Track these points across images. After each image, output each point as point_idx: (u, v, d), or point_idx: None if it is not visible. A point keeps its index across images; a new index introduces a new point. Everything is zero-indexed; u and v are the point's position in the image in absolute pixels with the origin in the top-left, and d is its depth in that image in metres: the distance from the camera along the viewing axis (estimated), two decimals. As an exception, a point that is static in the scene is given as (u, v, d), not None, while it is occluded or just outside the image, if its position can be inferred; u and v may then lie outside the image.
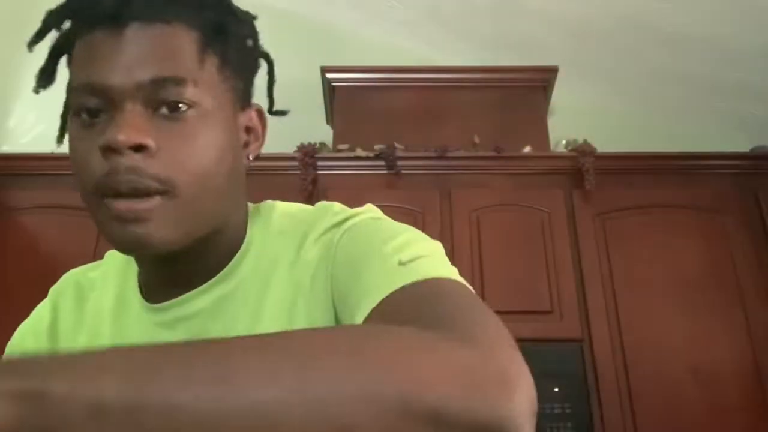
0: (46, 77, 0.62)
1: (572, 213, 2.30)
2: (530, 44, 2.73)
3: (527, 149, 2.44)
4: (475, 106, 2.58)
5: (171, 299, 0.62)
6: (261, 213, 0.67)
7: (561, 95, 2.76)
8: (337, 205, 0.66)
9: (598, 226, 2.28)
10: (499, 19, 2.69)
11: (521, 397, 0.39)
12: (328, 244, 0.60)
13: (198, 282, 0.61)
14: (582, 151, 2.35)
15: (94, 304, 0.68)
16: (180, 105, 0.55)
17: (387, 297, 0.50)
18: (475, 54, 2.81)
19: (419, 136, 2.46)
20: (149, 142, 0.53)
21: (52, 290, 0.73)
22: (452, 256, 2.21)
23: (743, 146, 2.57)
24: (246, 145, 0.64)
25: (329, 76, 2.64)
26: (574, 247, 2.24)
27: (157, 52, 0.55)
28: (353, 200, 2.52)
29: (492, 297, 2.14)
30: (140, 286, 0.65)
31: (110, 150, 0.52)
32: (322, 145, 2.54)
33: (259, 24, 0.69)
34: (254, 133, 0.65)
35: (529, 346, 2.34)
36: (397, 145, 2.39)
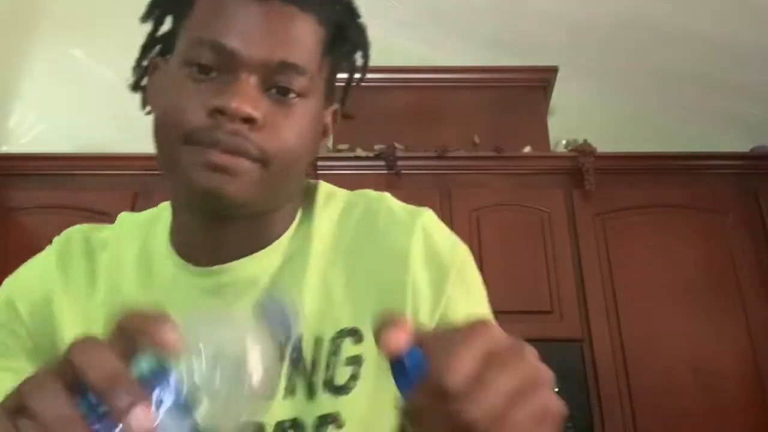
0: (156, 9, 0.64)
1: (572, 213, 2.30)
2: (530, 44, 2.73)
3: (527, 149, 2.44)
4: (475, 106, 2.58)
5: (211, 264, 0.61)
6: (313, 194, 0.68)
7: (561, 95, 2.76)
8: (406, 212, 0.71)
9: (598, 226, 2.28)
10: (499, 19, 2.69)
11: None
12: (441, 265, 0.67)
13: (247, 250, 0.62)
14: (582, 151, 2.35)
15: (108, 262, 0.66)
16: (291, 92, 0.57)
17: None
18: (474, 54, 2.81)
19: (419, 136, 2.46)
20: (259, 116, 0.54)
21: (57, 243, 0.71)
22: (452, 256, 2.21)
23: (743, 146, 2.57)
24: (320, 139, 0.66)
25: (329, 76, 2.64)
26: (574, 247, 2.24)
27: (288, 36, 0.57)
28: (353, 200, 2.44)
29: (492, 297, 2.13)
30: (176, 250, 0.64)
31: (220, 113, 0.54)
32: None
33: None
34: (327, 130, 0.67)
35: (529, 346, 2.29)
36: (397, 145, 2.39)
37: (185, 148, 0.55)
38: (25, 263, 0.71)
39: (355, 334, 0.59)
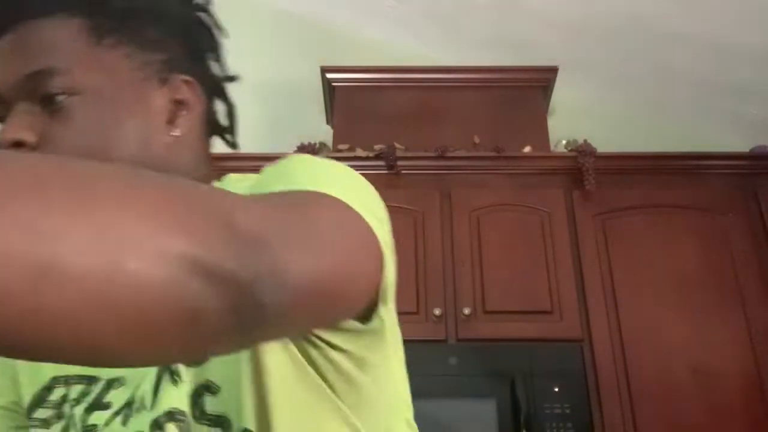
0: None
1: (572, 213, 2.30)
2: (530, 44, 2.73)
3: (527, 149, 2.44)
4: (475, 106, 2.58)
5: None
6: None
7: (561, 95, 2.76)
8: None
9: (598, 226, 2.28)
10: (499, 19, 2.69)
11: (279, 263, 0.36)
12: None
13: None
14: (582, 151, 2.35)
15: None
16: (56, 96, 0.54)
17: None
18: (475, 54, 2.81)
19: (419, 136, 2.46)
20: (25, 136, 0.52)
21: None
22: (452, 256, 2.21)
23: (743, 146, 2.57)
24: (172, 119, 0.61)
25: (329, 76, 2.64)
26: (574, 247, 2.24)
27: (30, 47, 0.55)
28: (353, 200, 2.44)
29: (492, 297, 2.14)
30: None
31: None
32: (322, 145, 2.54)
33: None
34: (185, 105, 0.62)
35: (529, 346, 2.34)
36: (397, 145, 2.39)
37: None
38: None
39: None
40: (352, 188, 0.53)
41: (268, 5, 2.97)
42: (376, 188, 0.71)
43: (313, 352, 0.52)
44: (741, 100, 2.70)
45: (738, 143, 2.63)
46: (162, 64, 0.60)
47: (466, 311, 2.09)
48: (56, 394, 0.61)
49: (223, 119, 0.70)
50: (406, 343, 0.66)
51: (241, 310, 0.34)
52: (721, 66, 2.57)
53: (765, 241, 2.26)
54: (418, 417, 0.73)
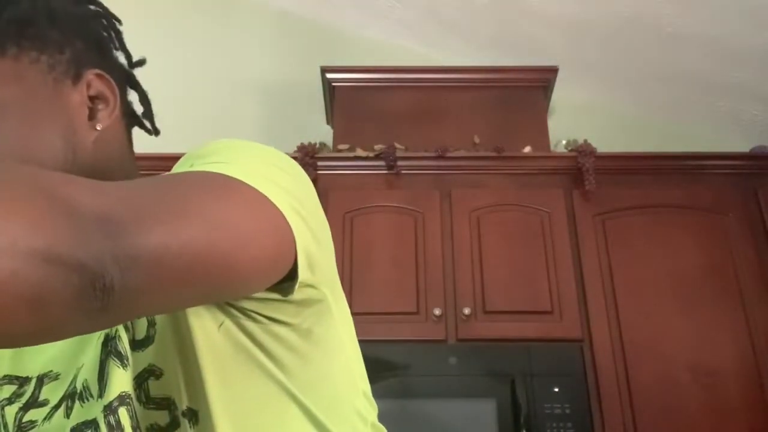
0: None
1: (572, 213, 2.30)
2: (530, 44, 2.74)
3: (527, 149, 2.44)
4: (475, 106, 2.58)
5: None
6: None
7: (561, 95, 2.76)
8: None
9: (598, 226, 2.28)
10: (499, 19, 2.69)
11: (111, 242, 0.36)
12: None
13: None
14: (582, 151, 2.35)
15: None
16: None
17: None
18: (475, 54, 2.81)
19: (419, 136, 2.46)
20: None
21: None
22: (452, 256, 2.21)
23: (743, 146, 2.57)
24: (92, 115, 0.60)
25: (329, 76, 2.64)
26: (574, 247, 2.24)
27: None
28: (353, 200, 2.53)
29: (492, 297, 2.14)
30: None
31: None
32: (322, 145, 2.54)
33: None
34: (103, 99, 0.61)
35: (529, 346, 2.33)
36: (397, 145, 2.39)
37: None
38: None
39: None
40: (253, 164, 0.51)
41: (268, 6, 2.97)
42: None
43: (255, 328, 0.52)
44: (741, 100, 2.70)
45: (738, 143, 2.63)
46: (69, 63, 0.59)
47: (466, 311, 2.09)
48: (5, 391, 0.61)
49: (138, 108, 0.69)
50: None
51: (86, 294, 0.35)
52: (721, 66, 2.57)
53: (765, 241, 2.26)
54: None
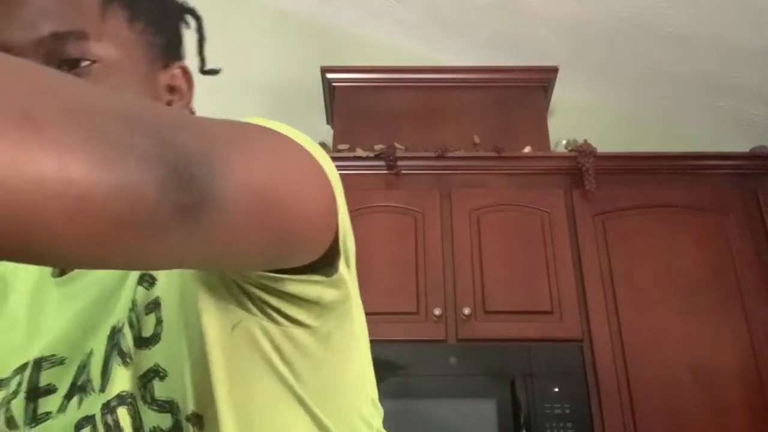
0: None
1: (572, 213, 2.30)
2: (530, 44, 2.74)
3: (527, 149, 2.44)
4: (475, 106, 2.58)
5: (68, 271, 0.61)
6: None
7: (561, 95, 2.76)
8: None
9: (598, 226, 2.28)
10: (499, 19, 2.69)
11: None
12: None
13: None
14: (582, 151, 2.35)
15: (17, 288, 0.66)
16: (81, 61, 0.53)
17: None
18: (475, 54, 2.81)
19: (419, 136, 2.46)
20: None
21: None
22: (452, 256, 2.21)
23: (743, 146, 2.57)
24: (168, 105, 0.61)
25: (329, 76, 2.64)
26: (574, 247, 2.24)
27: (56, 5, 0.53)
28: (353, 200, 2.53)
29: (492, 297, 2.14)
30: None
31: None
32: (322, 145, 2.54)
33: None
34: (179, 92, 0.62)
35: (529, 346, 2.33)
36: (397, 145, 2.39)
37: None
38: None
39: (145, 279, 0.56)
40: (305, 142, 0.50)
41: (268, 5, 2.97)
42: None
43: (273, 330, 0.50)
44: (741, 100, 2.70)
45: (738, 143, 2.64)
46: (163, 48, 0.60)
47: (466, 311, 2.09)
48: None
49: None
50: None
51: (177, 187, 0.32)
52: (721, 66, 2.57)
53: (765, 241, 2.26)
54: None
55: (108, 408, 0.53)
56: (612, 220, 2.29)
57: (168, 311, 0.54)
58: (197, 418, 0.52)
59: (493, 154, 2.39)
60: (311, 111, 2.83)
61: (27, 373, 0.59)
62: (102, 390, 0.54)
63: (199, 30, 0.66)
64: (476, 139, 2.47)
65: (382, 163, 2.36)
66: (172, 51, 0.62)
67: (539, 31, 2.68)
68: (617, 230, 2.28)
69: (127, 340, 0.55)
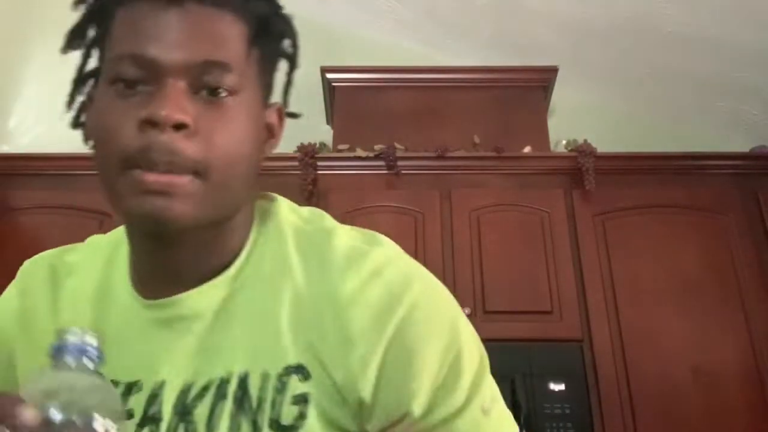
0: (75, 40, 0.62)
1: (572, 213, 2.30)
2: (530, 44, 2.74)
3: (527, 149, 2.44)
4: (475, 106, 2.58)
5: (168, 296, 0.59)
6: (269, 214, 0.65)
7: (561, 95, 2.76)
8: (365, 251, 0.62)
9: (598, 226, 2.28)
10: (499, 19, 2.69)
11: None
12: (381, 316, 0.56)
13: (197, 279, 0.59)
14: (582, 151, 2.35)
15: (72, 291, 0.65)
16: (221, 91, 0.55)
17: None
18: (475, 54, 2.81)
19: (419, 136, 2.46)
20: (190, 121, 0.53)
21: (21, 273, 0.69)
22: (452, 256, 2.21)
23: (743, 146, 2.57)
24: (264, 141, 0.63)
25: (329, 76, 2.64)
26: (574, 247, 2.24)
27: (209, 35, 0.55)
28: (353, 200, 2.53)
29: (492, 297, 2.14)
30: (132, 278, 0.63)
31: (150, 124, 0.52)
32: (322, 145, 2.54)
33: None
34: (272, 131, 0.65)
35: (529, 346, 2.33)
36: (397, 145, 2.39)
37: (123, 176, 0.54)
38: None
39: (302, 370, 0.56)
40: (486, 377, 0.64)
41: (268, 5, 2.97)
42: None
43: None
44: (741, 100, 2.70)
45: (738, 143, 2.63)
46: (269, 87, 0.64)
47: (466, 311, 2.07)
48: None
49: None
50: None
51: None
52: (721, 66, 2.57)
53: (765, 241, 2.26)
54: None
55: None
56: (612, 220, 2.29)
57: (315, 410, 0.55)
58: None
59: (493, 154, 2.39)
60: (311, 111, 2.83)
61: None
62: None
63: (290, 74, 0.67)
64: (476, 139, 2.47)
65: (382, 163, 2.36)
66: (271, 91, 0.65)
67: (539, 31, 2.68)
68: (617, 230, 2.27)
69: (264, 414, 0.55)
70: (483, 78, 2.64)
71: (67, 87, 0.66)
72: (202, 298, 0.59)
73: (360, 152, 2.38)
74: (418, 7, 2.77)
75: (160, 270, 0.60)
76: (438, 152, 2.37)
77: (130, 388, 0.58)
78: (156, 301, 0.60)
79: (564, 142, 2.61)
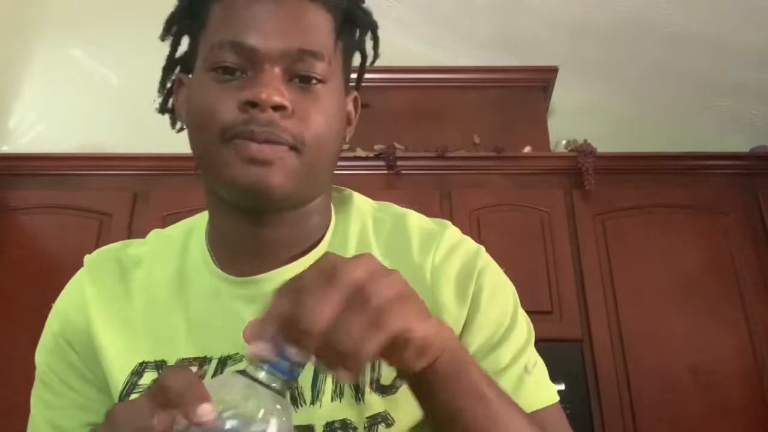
0: (170, 29, 0.67)
1: (572, 213, 2.30)
2: (530, 44, 2.74)
3: (527, 149, 2.44)
4: (475, 106, 2.58)
5: (252, 274, 0.62)
6: (346, 202, 0.70)
7: (561, 95, 2.76)
8: (444, 227, 0.69)
9: (598, 226, 2.28)
10: (499, 19, 2.69)
11: None
12: (462, 284, 0.65)
13: (284, 258, 0.63)
14: (582, 151, 2.35)
15: (143, 279, 0.67)
16: (313, 79, 0.59)
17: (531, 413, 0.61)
18: (475, 54, 2.81)
19: (419, 136, 2.46)
20: (288, 104, 0.57)
21: (88, 263, 0.70)
22: (452, 256, 2.21)
23: (743, 146, 2.57)
24: (344, 128, 0.67)
25: (329, 76, 2.64)
26: (574, 247, 2.24)
27: (303, 25, 0.60)
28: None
29: (492, 297, 2.14)
30: (212, 255, 0.65)
31: (252, 105, 0.56)
32: (322, 145, 2.54)
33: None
34: (350, 118, 0.69)
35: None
36: (397, 145, 2.39)
37: (223, 147, 0.57)
38: (63, 290, 0.70)
39: None
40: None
41: (268, 5, 2.97)
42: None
43: None
44: (741, 100, 2.70)
45: (738, 143, 2.63)
46: (348, 77, 0.68)
47: (466, 311, 2.09)
48: (146, 378, 0.62)
49: None
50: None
51: None
52: (721, 66, 2.57)
53: (765, 241, 2.26)
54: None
55: (331, 428, 0.58)
56: (612, 220, 2.29)
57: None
58: None
59: (493, 154, 2.39)
60: (311, 111, 2.83)
61: (210, 368, 0.60)
62: (313, 403, 0.58)
63: (362, 66, 0.72)
64: (476, 139, 2.47)
65: (382, 163, 2.36)
66: (349, 78, 0.69)
67: (539, 31, 2.68)
68: (617, 230, 2.28)
69: (365, 376, 0.59)
70: (483, 78, 2.64)
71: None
72: (289, 274, 0.61)
73: (360, 152, 2.38)
74: (418, 7, 2.77)
75: (248, 248, 0.63)
76: (438, 152, 2.37)
77: (225, 362, 0.60)
78: (246, 278, 0.63)
79: (564, 142, 2.61)
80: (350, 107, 0.69)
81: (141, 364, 0.62)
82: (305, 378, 0.58)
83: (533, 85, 2.65)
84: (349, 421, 0.58)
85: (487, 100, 2.59)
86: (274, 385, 0.41)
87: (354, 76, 0.72)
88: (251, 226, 0.62)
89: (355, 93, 0.70)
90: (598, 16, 2.52)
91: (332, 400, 0.58)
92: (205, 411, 0.38)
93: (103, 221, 2.20)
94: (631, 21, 2.49)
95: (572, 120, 2.79)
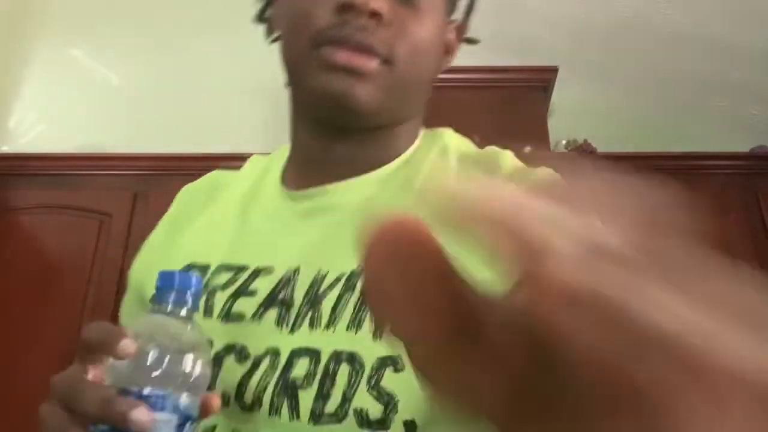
0: None
1: (572, 213, 2.30)
2: (530, 44, 2.74)
3: (527, 149, 2.44)
4: (475, 106, 2.58)
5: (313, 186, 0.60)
6: (436, 135, 0.69)
7: (561, 95, 2.76)
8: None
9: (598, 226, 2.28)
10: (499, 19, 2.69)
11: None
12: None
13: (359, 171, 0.60)
14: (582, 151, 2.35)
15: (224, 199, 0.67)
16: None
17: None
18: (475, 54, 2.80)
19: (419, 136, 2.46)
20: (385, 11, 0.54)
21: (184, 188, 0.73)
22: (452, 256, 2.21)
23: (743, 146, 2.57)
24: (442, 55, 0.66)
25: (329, 76, 2.64)
26: (574, 247, 2.24)
27: None
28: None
29: (492, 297, 2.14)
30: (284, 175, 0.64)
31: (348, 8, 0.54)
32: (322, 145, 2.54)
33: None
34: (449, 47, 0.67)
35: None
36: (397, 145, 2.39)
37: (314, 53, 0.55)
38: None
39: None
40: None
41: (268, 5, 2.97)
42: None
43: None
44: (741, 100, 2.70)
45: (738, 143, 2.64)
46: (452, 4, 0.66)
47: (466, 311, 2.09)
48: None
49: None
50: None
51: None
52: (721, 66, 2.57)
53: (765, 241, 2.26)
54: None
55: (338, 358, 0.52)
56: (612, 220, 2.29)
57: None
58: (412, 427, 0.49)
59: (493, 154, 2.39)
60: (311, 111, 2.83)
61: (243, 276, 0.59)
62: (327, 327, 0.54)
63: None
64: (476, 139, 2.47)
65: (382, 163, 2.36)
66: (454, 8, 0.66)
67: (539, 31, 2.68)
68: (617, 230, 2.27)
69: None
70: (483, 78, 2.64)
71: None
72: (348, 192, 0.60)
73: (360, 152, 2.38)
74: (418, 7, 2.77)
75: (319, 160, 0.61)
76: (438, 152, 2.37)
77: (259, 272, 0.59)
78: (304, 191, 0.61)
79: (564, 142, 2.61)
80: (452, 36, 0.67)
81: (188, 265, 0.62)
82: (327, 303, 0.55)
83: (533, 85, 2.65)
84: (358, 356, 0.53)
85: (487, 100, 2.59)
86: (182, 314, 0.45)
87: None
88: (329, 142, 0.60)
89: (458, 21, 0.68)
90: (597, 16, 2.52)
91: (347, 329, 0.54)
92: (127, 344, 0.41)
93: (103, 221, 2.20)
94: (631, 21, 2.50)
95: (572, 120, 2.79)
